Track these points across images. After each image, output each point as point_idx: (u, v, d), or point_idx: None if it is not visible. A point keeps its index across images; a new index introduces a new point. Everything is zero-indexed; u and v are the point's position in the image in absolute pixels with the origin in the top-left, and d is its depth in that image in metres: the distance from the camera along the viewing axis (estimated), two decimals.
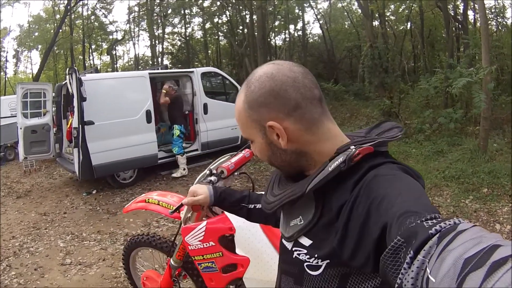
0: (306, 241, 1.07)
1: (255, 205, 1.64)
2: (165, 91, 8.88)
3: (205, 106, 9.79)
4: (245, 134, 1.12)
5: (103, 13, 29.86)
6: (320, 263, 1.01)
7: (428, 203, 0.82)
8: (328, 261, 1.00)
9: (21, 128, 8.86)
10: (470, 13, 19.78)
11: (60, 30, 25.79)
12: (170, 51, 32.29)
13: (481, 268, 0.51)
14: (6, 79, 26.13)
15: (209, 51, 31.86)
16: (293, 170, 1.13)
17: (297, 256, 1.08)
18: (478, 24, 17.39)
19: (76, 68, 7.61)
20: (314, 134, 1.06)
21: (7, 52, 27.58)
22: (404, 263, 0.66)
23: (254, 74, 1.07)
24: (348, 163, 0.97)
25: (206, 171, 2.38)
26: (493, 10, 20.55)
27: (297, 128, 1.04)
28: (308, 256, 1.05)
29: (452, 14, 17.28)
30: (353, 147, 1.00)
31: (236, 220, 2.32)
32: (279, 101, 1.02)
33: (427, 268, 0.60)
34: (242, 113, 1.09)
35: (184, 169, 8.96)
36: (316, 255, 1.02)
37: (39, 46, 29.61)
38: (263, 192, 1.51)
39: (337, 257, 0.96)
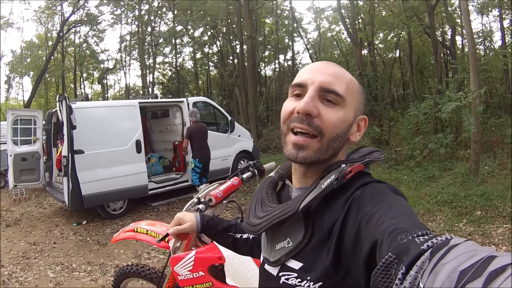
0: (295, 264, 1.02)
1: (242, 235, 1.59)
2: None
3: None
4: (345, 92, 1.03)
5: (95, 41, 30.03)
6: (312, 286, 0.96)
7: (418, 221, 0.81)
8: (321, 283, 0.95)
9: (11, 155, 8.82)
10: (458, 39, 20.17)
11: (52, 57, 25.92)
12: (160, 81, 32.50)
13: (479, 278, 0.49)
14: None
15: (200, 81, 32.08)
16: (323, 162, 1.06)
17: (285, 281, 1.03)
18: (466, 49, 17.67)
19: (66, 95, 7.59)
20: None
21: None
22: (396, 280, 0.64)
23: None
24: (340, 181, 0.97)
25: (194, 199, 2.34)
26: (480, 35, 20.92)
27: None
28: (299, 280, 0.99)
29: (440, 40, 17.53)
30: (344, 165, 1.01)
31: (226, 249, 2.28)
32: (365, 102, 1.13)
33: (420, 284, 0.58)
34: (355, 85, 1.08)
35: None
36: (308, 278, 0.97)
37: (31, 73, 29.61)
38: None
39: (330, 277, 0.93)
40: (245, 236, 1.58)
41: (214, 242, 2.30)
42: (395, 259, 0.67)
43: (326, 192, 0.97)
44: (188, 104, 9.68)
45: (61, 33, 25.04)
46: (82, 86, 33.86)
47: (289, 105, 1.06)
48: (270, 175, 1.34)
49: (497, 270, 0.49)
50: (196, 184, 8.72)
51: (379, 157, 1.11)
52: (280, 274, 1.06)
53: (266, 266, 1.15)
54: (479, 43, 20.35)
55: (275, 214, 1.05)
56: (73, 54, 29.89)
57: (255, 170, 2.64)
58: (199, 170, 8.74)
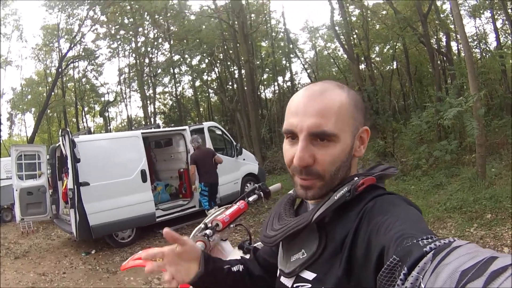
0: (309, 275, 1.02)
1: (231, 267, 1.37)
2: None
3: None
4: (335, 127, 1.00)
5: (94, 75, 30.29)
6: None
7: (425, 226, 0.82)
8: None
9: (16, 190, 8.88)
10: (454, 44, 20.22)
11: (53, 93, 26.24)
12: (162, 110, 32.68)
13: (479, 278, 0.50)
14: (1, 141, 26.21)
15: (201, 109, 32.15)
16: (330, 188, 1.05)
17: None
18: (462, 53, 17.76)
19: (69, 129, 7.68)
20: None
21: (1, 115, 27.84)
22: (397, 280, 0.65)
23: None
24: (353, 193, 0.98)
25: (201, 225, 2.34)
26: (474, 38, 21.02)
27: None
28: None
29: (436, 47, 17.63)
30: (356, 178, 1.02)
31: None
32: (364, 112, 1.11)
33: (422, 284, 0.59)
34: (344, 107, 1.04)
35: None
36: None
37: (33, 109, 29.90)
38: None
39: (343, 287, 0.93)
40: (234, 268, 1.37)
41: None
42: (399, 262, 0.68)
43: (338, 204, 0.98)
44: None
45: (59, 69, 25.34)
46: (84, 120, 34.12)
47: (287, 151, 1.07)
48: (289, 192, 1.35)
49: (498, 270, 0.49)
50: (206, 208, 8.77)
51: (393, 172, 1.12)
52: (294, 286, 1.07)
53: (282, 279, 1.15)
54: (474, 47, 20.50)
55: (289, 226, 1.06)
56: (73, 89, 30.19)
57: (261, 192, 2.63)
58: (206, 194, 8.76)
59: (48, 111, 27.92)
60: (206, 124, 9.93)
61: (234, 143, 10.95)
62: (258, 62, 24.15)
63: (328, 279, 0.97)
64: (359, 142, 1.08)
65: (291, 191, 1.33)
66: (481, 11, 19.68)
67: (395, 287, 0.66)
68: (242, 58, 18.15)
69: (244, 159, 11.12)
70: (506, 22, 18.46)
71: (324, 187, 1.03)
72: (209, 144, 9.45)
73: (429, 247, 0.65)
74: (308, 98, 1.04)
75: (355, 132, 1.07)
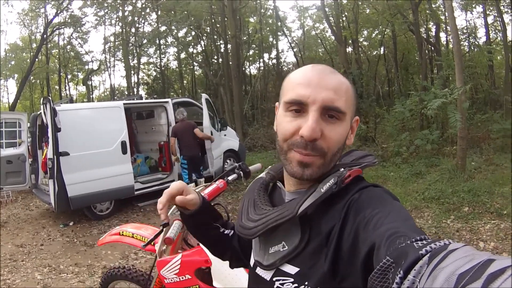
0: (291, 269, 1.01)
1: (225, 230, 1.44)
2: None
3: None
4: (345, 106, 1.00)
5: (79, 43, 29.79)
6: None
7: (415, 226, 0.81)
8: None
9: None
10: (443, 35, 20.30)
11: (37, 59, 25.74)
12: (145, 81, 32.25)
13: (477, 281, 0.49)
14: None
15: (185, 81, 31.92)
16: (327, 170, 1.03)
17: (280, 286, 1.02)
18: (450, 45, 17.82)
19: (50, 98, 7.54)
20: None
21: None
22: (393, 284, 0.64)
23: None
24: (339, 185, 0.97)
25: None
26: (464, 31, 21.10)
27: None
28: (295, 285, 0.98)
29: (425, 37, 17.67)
30: (342, 169, 1.00)
31: None
32: (356, 106, 1.09)
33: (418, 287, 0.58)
34: (350, 91, 1.05)
35: None
36: (306, 283, 0.96)
37: (16, 75, 29.40)
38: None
39: (328, 282, 0.93)
40: (226, 231, 1.45)
41: (200, 245, 2.27)
42: (393, 263, 0.67)
43: (325, 197, 0.96)
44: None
45: (45, 35, 24.80)
46: (67, 88, 33.60)
47: (289, 123, 1.01)
48: (260, 175, 1.32)
49: (495, 273, 0.49)
50: (185, 182, 8.79)
51: (373, 162, 1.10)
52: (274, 279, 1.05)
53: (258, 270, 1.13)
54: (463, 40, 20.58)
55: (271, 218, 1.03)
56: (57, 56, 29.60)
57: (241, 172, 2.61)
58: (185, 167, 8.89)
59: (31, 77, 27.49)
60: (204, 96, 9.78)
61: (218, 118, 10.84)
62: (245, 38, 23.92)
63: (312, 273, 0.96)
64: (351, 130, 1.08)
65: (262, 174, 1.32)
66: (473, 5, 19.71)
67: None
68: (229, 33, 17.97)
69: (225, 135, 11.08)
70: (498, 19, 18.57)
71: (322, 166, 1.00)
72: (206, 116, 9.33)
73: (424, 250, 0.64)
74: (320, 73, 1.02)
75: (352, 118, 1.07)
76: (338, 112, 0.98)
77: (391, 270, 0.67)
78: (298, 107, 1.00)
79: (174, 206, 2.36)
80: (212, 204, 2.39)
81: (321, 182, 0.99)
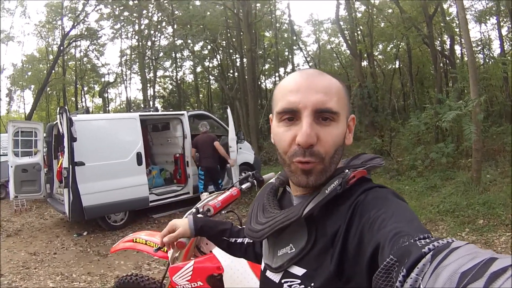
0: (298, 271, 1.01)
1: (236, 239, 1.57)
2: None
3: None
4: (337, 106, 0.99)
5: (96, 55, 30.19)
6: None
7: (420, 225, 0.81)
8: None
9: (12, 167, 8.82)
10: (457, 48, 20.25)
11: (53, 71, 26.08)
12: (161, 94, 32.58)
13: (479, 279, 0.49)
14: None
15: (200, 95, 32.18)
16: (329, 173, 1.03)
17: None
18: (465, 58, 17.72)
19: (67, 108, 7.61)
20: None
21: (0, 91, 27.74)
22: (396, 282, 0.64)
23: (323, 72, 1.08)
24: (344, 186, 0.97)
25: (193, 209, 2.33)
26: (479, 43, 21.00)
27: None
28: (302, 286, 0.98)
29: (439, 50, 17.62)
30: (347, 170, 1.00)
31: (224, 259, 2.27)
32: (349, 104, 1.08)
33: (421, 285, 0.58)
34: (341, 90, 1.04)
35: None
36: (312, 284, 0.96)
37: (32, 86, 29.77)
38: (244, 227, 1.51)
39: (334, 283, 0.92)
40: (239, 240, 1.56)
41: (213, 252, 2.28)
42: (396, 262, 0.67)
43: (329, 198, 0.96)
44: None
45: (61, 47, 25.17)
46: (83, 100, 34.03)
47: (284, 134, 1.01)
48: (270, 181, 1.33)
49: (498, 272, 0.49)
50: (200, 192, 9.05)
51: (380, 163, 1.10)
52: (282, 281, 1.05)
53: (268, 273, 1.14)
54: (478, 52, 20.48)
55: (278, 220, 1.04)
56: (74, 68, 30.04)
57: (254, 180, 2.63)
58: (202, 177, 9.11)
59: (48, 88, 27.76)
60: (228, 109, 9.89)
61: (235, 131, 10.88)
62: (260, 52, 24.04)
63: (318, 274, 0.96)
64: (348, 129, 1.07)
65: (272, 180, 1.33)
66: (487, 17, 19.62)
67: (392, 287, 0.66)
68: (245, 47, 18.06)
69: (240, 148, 11.10)
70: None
71: (323, 171, 1.00)
72: (232, 128, 9.41)
73: (427, 248, 0.64)
74: (308, 77, 1.02)
75: (347, 117, 1.06)
76: (331, 113, 0.98)
77: (395, 268, 0.67)
78: (291, 115, 1.00)
79: (188, 212, 2.39)
80: (226, 211, 2.41)
81: (325, 184, 0.99)
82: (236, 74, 24.55)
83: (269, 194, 1.24)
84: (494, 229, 6.31)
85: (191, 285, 2.29)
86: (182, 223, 1.62)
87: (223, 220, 1.68)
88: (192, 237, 1.64)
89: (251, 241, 1.52)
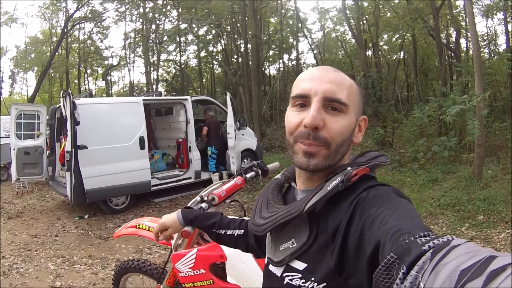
0: (299, 265, 1.03)
1: (226, 231, 1.58)
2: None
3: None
4: (347, 99, 1.03)
5: (99, 38, 30.01)
6: (316, 287, 0.97)
7: (421, 223, 0.81)
8: (324, 284, 0.96)
9: (14, 149, 8.84)
10: (463, 41, 20.08)
11: (56, 53, 25.98)
12: (164, 78, 32.36)
13: (479, 278, 0.50)
14: (1, 99, 26.04)
15: (204, 80, 31.95)
16: (332, 166, 1.06)
17: (290, 282, 1.04)
18: (470, 52, 17.64)
19: (70, 91, 7.60)
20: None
21: (3, 72, 27.57)
22: (396, 279, 0.65)
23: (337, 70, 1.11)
24: (346, 183, 0.98)
25: (197, 198, 2.33)
26: (485, 38, 20.85)
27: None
28: (303, 281, 1.00)
29: (445, 42, 17.53)
30: (349, 168, 1.01)
31: (227, 248, 2.28)
32: (363, 102, 1.14)
33: (421, 283, 0.59)
34: (354, 87, 1.09)
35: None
36: (312, 279, 0.98)
37: (35, 68, 29.56)
38: (235, 217, 1.59)
39: (334, 278, 0.94)
40: (229, 232, 1.58)
41: None
42: (397, 259, 0.68)
43: (331, 194, 0.98)
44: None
45: (65, 29, 24.98)
46: (86, 82, 33.81)
47: (294, 117, 1.06)
48: (276, 177, 1.36)
49: (497, 270, 0.49)
50: (212, 171, 9.47)
51: (384, 162, 1.11)
52: (284, 275, 1.07)
53: (270, 267, 1.16)
54: (483, 46, 20.30)
55: (280, 215, 1.05)
56: (77, 50, 29.84)
57: (259, 170, 2.63)
58: (215, 156, 9.46)
59: (51, 71, 27.70)
60: (228, 95, 9.77)
61: (237, 118, 10.83)
62: (265, 38, 23.86)
63: (319, 269, 0.97)
64: (358, 128, 1.10)
65: (278, 176, 1.35)
66: (494, 12, 19.44)
67: (392, 285, 0.66)
68: (250, 33, 17.94)
69: (243, 134, 11.09)
70: None
71: (328, 157, 1.03)
72: (231, 114, 9.44)
73: (427, 246, 0.65)
74: (323, 70, 1.08)
75: (358, 115, 1.09)
76: (340, 103, 1.01)
77: (395, 266, 0.68)
78: (303, 101, 1.04)
79: (193, 200, 2.40)
80: (230, 200, 2.42)
81: (328, 181, 1.01)
82: (240, 59, 24.34)
83: (274, 190, 1.26)
84: (494, 226, 6.32)
85: (193, 272, 2.30)
86: (172, 222, 1.70)
87: (213, 212, 1.71)
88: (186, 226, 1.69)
89: (241, 232, 1.56)
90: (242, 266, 2.31)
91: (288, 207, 1.06)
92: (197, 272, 2.30)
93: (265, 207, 1.18)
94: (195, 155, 9.69)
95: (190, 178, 9.77)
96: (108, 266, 5.63)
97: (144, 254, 6.05)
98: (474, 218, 6.71)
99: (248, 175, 2.54)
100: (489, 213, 6.81)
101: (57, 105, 9.10)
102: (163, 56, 30.25)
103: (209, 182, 9.65)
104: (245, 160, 11.06)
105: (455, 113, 7.96)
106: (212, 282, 2.31)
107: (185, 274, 2.32)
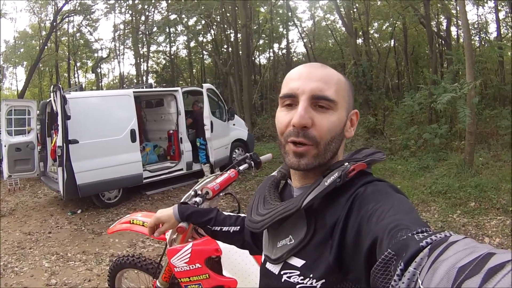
0: (297, 262, 1.03)
1: (221, 227, 1.58)
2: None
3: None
4: (335, 95, 1.03)
5: (89, 31, 29.85)
6: (315, 284, 0.97)
7: (418, 218, 0.82)
8: (323, 280, 0.96)
9: (5, 146, 8.78)
10: (453, 29, 20.08)
11: (46, 47, 25.80)
12: (154, 69, 32.27)
13: (477, 275, 0.49)
14: None
15: (194, 70, 31.86)
16: (324, 165, 1.07)
17: (287, 279, 1.03)
18: (461, 40, 17.69)
19: (60, 85, 7.53)
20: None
21: None
22: (394, 276, 0.65)
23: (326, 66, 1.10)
24: (343, 179, 0.98)
25: (191, 192, 2.32)
26: (475, 26, 20.87)
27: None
28: (301, 278, 1.00)
29: (436, 30, 17.50)
30: (347, 163, 1.02)
31: None
32: (352, 99, 1.13)
33: (419, 280, 0.58)
34: (342, 82, 1.08)
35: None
36: (311, 275, 0.98)
37: (25, 63, 29.42)
38: (230, 213, 1.59)
39: (333, 274, 0.94)
40: (225, 228, 1.58)
41: None
42: (394, 256, 0.68)
43: (329, 190, 0.98)
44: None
45: (54, 23, 24.85)
46: (76, 75, 33.67)
47: (283, 117, 1.06)
48: (272, 174, 1.36)
49: (496, 267, 0.49)
50: (203, 162, 9.58)
51: (381, 158, 1.12)
52: (282, 272, 1.06)
53: (268, 265, 1.15)
54: (474, 34, 20.31)
55: (278, 211, 1.05)
56: (66, 44, 29.69)
57: (252, 162, 2.63)
58: (203, 148, 9.50)
59: (40, 65, 27.56)
60: (205, 86, 9.73)
61: (226, 108, 10.81)
62: (255, 27, 23.78)
63: (317, 266, 0.97)
64: (350, 123, 1.10)
65: (274, 173, 1.35)
66: (485, 0, 19.44)
67: (390, 281, 0.66)
68: (240, 22, 17.92)
69: (234, 124, 11.07)
70: (509, 14, 18.37)
71: (317, 156, 1.03)
72: (207, 106, 9.34)
73: (425, 242, 0.65)
74: (310, 67, 1.07)
75: (349, 110, 1.09)
76: (328, 100, 1.02)
77: (393, 262, 0.68)
78: (291, 101, 1.05)
79: (187, 195, 2.40)
80: (223, 193, 2.42)
81: (325, 177, 1.01)
82: (230, 49, 24.25)
83: (271, 187, 1.26)
84: (485, 213, 6.37)
85: (189, 267, 2.30)
86: (167, 217, 1.68)
87: (209, 208, 1.70)
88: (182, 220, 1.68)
89: (237, 229, 1.56)
90: (238, 259, 2.32)
91: (285, 203, 1.06)
92: (192, 266, 2.30)
93: (262, 204, 1.18)
94: (186, 146, 9.68)
95: (181, 169, 9.78)
96: (102, 261, 5.62)
97: (138, 248, 6.04)
98: (466, 205, 6.76)
99: (241, 168, 2.55)
100: (480, 200, 6.86)
101: (48, 100, 9.03)
102: (153, 47, 30.26)
103: (200, 173, 9.75)
104: (236, 150, 11.08)
105: (446, 101, 7.99)
106: (208, 276, 2.31)
107: (181, 269, 2.32)
